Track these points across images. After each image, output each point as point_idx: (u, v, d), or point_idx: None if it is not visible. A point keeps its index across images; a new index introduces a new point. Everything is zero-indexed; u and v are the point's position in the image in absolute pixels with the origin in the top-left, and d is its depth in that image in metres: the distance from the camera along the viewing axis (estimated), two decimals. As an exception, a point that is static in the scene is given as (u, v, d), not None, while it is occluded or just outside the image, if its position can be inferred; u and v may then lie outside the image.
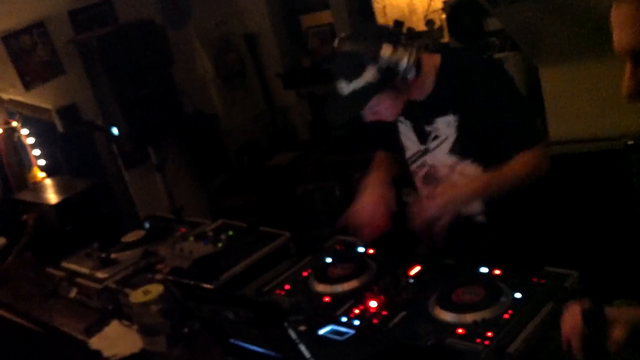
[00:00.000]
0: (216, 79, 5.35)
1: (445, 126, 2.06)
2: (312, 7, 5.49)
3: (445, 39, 4.61)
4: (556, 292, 1.72)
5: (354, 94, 1.93)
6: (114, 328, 2.28)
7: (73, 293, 2.57)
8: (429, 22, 4.74)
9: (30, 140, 3.97)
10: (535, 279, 1.81)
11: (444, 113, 2.05)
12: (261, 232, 2.55)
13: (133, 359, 2.09)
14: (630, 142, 3.09)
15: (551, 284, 1.77)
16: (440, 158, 2.12)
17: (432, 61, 2.06)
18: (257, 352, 1.76)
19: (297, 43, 5.59)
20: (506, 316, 1.69)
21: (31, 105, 4.07)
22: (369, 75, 1.90)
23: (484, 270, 1.93)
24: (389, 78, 1.92)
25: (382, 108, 2.01)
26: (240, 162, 5.30)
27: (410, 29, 5.06)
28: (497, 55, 3.77)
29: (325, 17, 5.37)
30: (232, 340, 1.84)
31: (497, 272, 1.90)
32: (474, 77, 2.01)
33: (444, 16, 4.57)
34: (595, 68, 3.14)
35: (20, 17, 4.05)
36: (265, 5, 5.45)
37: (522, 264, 1.92)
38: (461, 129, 2.04)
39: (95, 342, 2.24)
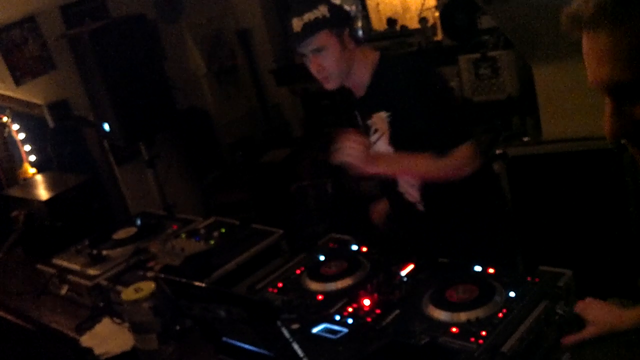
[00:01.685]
0: (209, 75, 5.32)
1: (381, 121, 2.23)
2: (305, 4, 5.48)
3: (439, 36, 4.61)
4: (550, 291, 1.72)
5: (305, 26, 2.11)
6: (105, 326, 2.27)
7: (64, 290, 2.55)
8: (422, 20, 4.74)
9: (21, 136, 3.94)
10: (529, 278, 1.81)
11: (378, 109, 2.22)
12: (254, 229, 2.54)
13: (124, 357, 2.08)
14: (623, 141, 3.09)
15: (545, 283, 1.77)
16: (382, 150, 2.27)
17: (372, 56, 2.23)
18: (249, 351, 1.75)
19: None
20: (500, 315, 1.68)
21: (22, 100, 4.04)
22: (321, 10, 2.10)
23: (477, 268, 1.92)
24: (339, 19, 2.13)
25: (327, 59, 2.15)
26: (233, 158, 5.29)
27: (403, 27, 5.06)
28: (490, 54, 3.77)
29: (318, 13, 5.35)
30: (224, 339, 1.83)
31: (491, 270, 1.90)
32: (405, 78, 2.15)
33: (437, 14, 4.58)
34: (589, 67, 3.14)
35: (10, 11, 4.02)
36: (257, 2, 5.43)
37: (459, 255, 2.03)
38: (393, 125, 2.21)
39: (86, 340, 2.22)
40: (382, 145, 2.27)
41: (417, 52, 4.46)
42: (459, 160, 2.13)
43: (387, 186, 2.43)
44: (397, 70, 2.19)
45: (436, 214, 2.34)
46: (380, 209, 2.63)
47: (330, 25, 2.12)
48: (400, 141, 2.23)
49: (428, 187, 2.28)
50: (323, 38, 2.14)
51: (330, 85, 2.25)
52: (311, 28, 2.12)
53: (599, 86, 0.88)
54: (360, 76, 2.24)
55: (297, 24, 2.14)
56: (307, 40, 2.14)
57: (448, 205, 2.31)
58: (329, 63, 2.18)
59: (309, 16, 2.11)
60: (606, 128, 0.91)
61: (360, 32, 2.14)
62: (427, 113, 2.13)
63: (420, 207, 2.35)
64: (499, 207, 2.44)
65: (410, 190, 2.35)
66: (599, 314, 1.61)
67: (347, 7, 2.18)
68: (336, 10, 2.13)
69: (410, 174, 2.26)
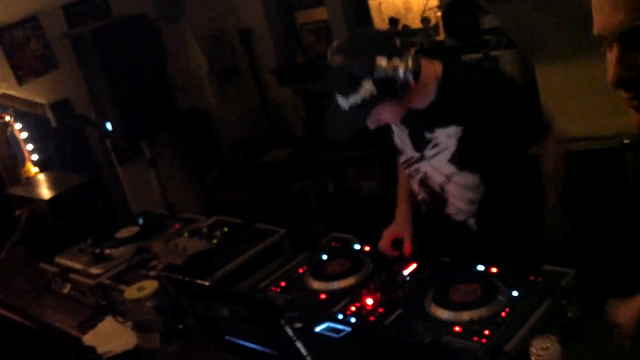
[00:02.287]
0: (210, 75, 5.32)
1: (446, 137, 2.01)
2: (307, 4, 5.48)
3: (441, 36, 4.61)
4: (553, 290, 1.72)
5: (353, 108, 1.86)
6: (108, 324, 2.27)
7: (66, 289, 2.55)
8: (425, 20, 4.74)
9: (24, 135, 3.94)
10: (532, 277, 1.81)
11: (446, 124, 1.99)
12: (256, 228, 2.54)
13: (127, 355, 2.08)
14: (626, 141, 3.09)
15: (548, 282, 1.77)
16: (438, 166, 2.07)
17: (433, 68, 2.00)
18: (252, 349, 1.75)
19: (291, 39, 5.57)
20: (503, 314, 1.68)
21: (24, 99, 4.04)
22: (366, 89, 1.83)
23: (480, 268, 1.93)
24: (388, 89, 1.85)
25: (384, 116, 1.96)
26: (234, 158, 5.29)
27: (405, 27, 5.06)
28: (492, 53, 3.77)
29: (320, 13, 5.36)
30: (227, 337, 1.83)
31: (493, 270, 1.90)
32: (479, 89, 1.96)
33: (439, 13, 4.57)
34: (591, 66, 3.13)
35: (13, 10, 4.01)
36: (259, 1, 5.42)
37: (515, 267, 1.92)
38: (463, 140, 1.99)
39: (88, 339, 2.22)
40: (441, 162, 2.05)
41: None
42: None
43: (434, 210, 2.17)
44: (468, 81, 1.99)
45: (489, 228, 2.11)
46: (391, 236, 2.23)
47: (379, 102, 1.86)
48: (466, 159, 2.02)
49: (487, 201, 2.07)
50: (374, 113, 1.91)
51: (394, 122, 2.09)
52: (361, 111, 1.87)
53: (609, 32, 0.91)
54: (422, 92, 1.98)
55: (342, 102, 1.88)
56: (360, 124, 1.92)
57: (503, 217, 2.11)
58: (386, 119, 2.00)
59: (355, 98, 1.85)
60: (610, 75, 0.93)
61: (410, 79, 1.83)
62: (510, 117, 1.97)
63: (473, 223, 2.11)
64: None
65: (463, 206, 2.09)
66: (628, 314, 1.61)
67: (395, 69, 1.82)
68: (381, 82, 1.83)
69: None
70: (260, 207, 4.79)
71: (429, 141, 2.05)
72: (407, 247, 2.14)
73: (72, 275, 2.54)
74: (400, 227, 2.22)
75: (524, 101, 2.08)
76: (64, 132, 4.10)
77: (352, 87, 1.84)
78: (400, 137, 2.16)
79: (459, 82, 1.98)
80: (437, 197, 2.13)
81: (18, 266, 3.02)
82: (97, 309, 2.37)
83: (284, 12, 5.59)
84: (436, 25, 4.68)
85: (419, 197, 2.21)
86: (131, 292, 2.00)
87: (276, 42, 5.53)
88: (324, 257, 2.22)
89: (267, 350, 1.70)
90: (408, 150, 2.15)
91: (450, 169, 2.04)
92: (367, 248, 2.23)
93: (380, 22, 5.30)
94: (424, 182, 2.15)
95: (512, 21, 3.19)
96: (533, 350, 1.15)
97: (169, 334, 2.00)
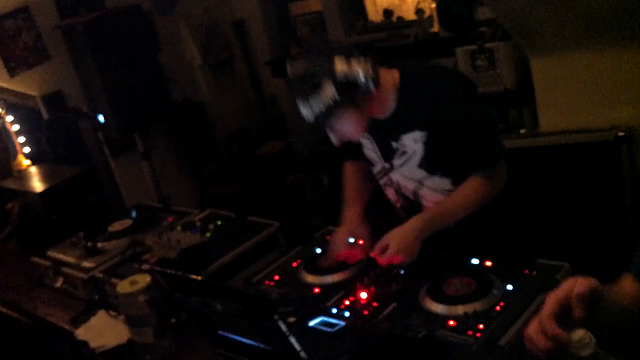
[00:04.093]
0: (204, 66, 5.29)
1: (413, 142, 2.03)
2: (301, -5, 5.46)
3: (435, 28, 4.59)
4: (548, 284, 1.72)
5: (318, 118, 1.88)
6: (101, 318, 2.25)
7: (59, 283, 2.54)
8: (419, 11, 4.72)
9: (15, 127, 3.91)
10: (526, 271, 1.80)
11: (409, 129, 2.01)
12: (250, 222, 2.53)
13: (120, 350, 2.07)
14: (620, 134, 3.09)
15: (543, 276, 1.77)
16: (408, 174, 2.10)
17: (391, 77, 2.01)
18: (245, 344, 1.74)
19: (285, 31, 5.54)
20: (498, 308, 1.68)
21: (16, 91, 4.01)
22: (328, 91, 1.84)
23: (475, 261, 1.92)
24: (349, 92, 1.85)
25: (345, 128, 1.95)
26: (229, 150, 5.27)
27: (399, 18, 5.04)
28: (487, 45, 3.76)
29: (314, 4, 5.34)
30: (220, 332, 1.82)
31: (488, 263, 1.89)
32: (439, 92, 1.97)
33: (433, 5, 4.55)
34: (587, 59, 3.13)
35: (4, 1, 3.98)
36: (253, -8, 5.40)
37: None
38: (429, 144, 2.01)
39: (81, 333, 2.21)
40: (411, 168, 2.08)
41: (414, 44, 4.36)
42: (499, 181, 2.03)
43: (412, 211, 2.15)
44: (428, 85, 2.00)
45: (469, 228, 2.10)
46: (342, 239, 2.13)
47: (341, 104, 1.87)
48: (435, 162, 2.05)
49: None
50: (335, 120, 1.92)
51: (357, 138, 2.08)
52: (324, 118, 1.89)
53: None
54: (382, 101, 2.00)
55: (305, 112, 1.90)
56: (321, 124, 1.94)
57: (481, 221, 2.10)
58: (350, 134, 1.99)
59: (316, 104, 1.85)
60: None
61: (372, 86, 1.87)
62: (469, 129, 1.96)
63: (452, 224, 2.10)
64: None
65: None
66: None
67: (354, 71, 1.84)
68: (343, 84, 1.84)
69: (458, 217, 2.03)
70: (255, 199, 4.78)
71: (396, 150, 2.07)
72: (364, 249, 2.07)
73: (65, 269, 2.52)
74: (353, 229, 2.14)
75: (482, 114, 2.04)
76: (56, 124, 4.08)
77: (313, 90, 1.85)
78: (369, 147, 2.17)
79: (418, 87, 1.99)
80: (412, 204, 2.17)
81: (10, 260, 3.00)
82: (89, 303, 2.36)
83: (278, 3, 5.56)
84: (430, 17, 4.67)
85: (398, 205, 2.25)
86: (124, 286, 1.99)
87: (270, 34, 5.51)
88: (318, 250, 2.21)
89: (261, 345, 1.70)
90: (379, 162, 2.17)
91: (420, 173, 2.08)
92: (361, 242, 2.21)
93: (374, 14, 5.28)
94: (398, 191, 2.20)
95: (507, 13, 3.18)
96: (573, 341, 1.10)
97: (162, 328, 1.98)
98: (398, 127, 2.03)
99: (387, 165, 2.14)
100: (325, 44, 1.93)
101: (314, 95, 1.85)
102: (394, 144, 2.07)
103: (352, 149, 2.24)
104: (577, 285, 1.12)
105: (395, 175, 2.15)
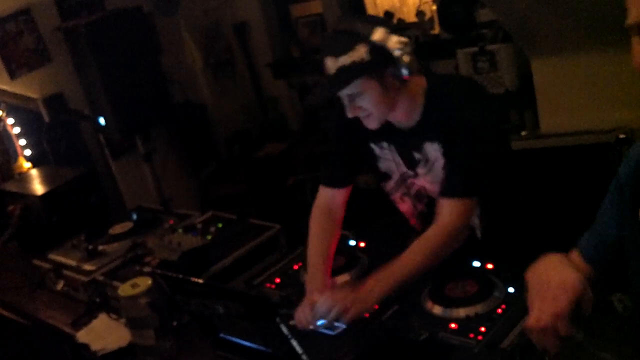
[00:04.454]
0: (205, 68, 5.30)
1: (434, 151, 1.95)
2: (302, -3, 5.46)
3: (436, 30, 4.59)
4: (549, 286, 1.71)
5: (340, 71, 1.78)
6: (102, 321, 2.25)
7: (60, 285, 2.54)
8: (420, 14, 4.71)
9: (16, 130, 3.91)
10: (528, 273, 1.79)
11: (431, 139, 1.94)
12: (251, 224, 2.53)
13: (121, 352, 2.07)
14: (622, 136, 3.09)
15: (544, 278, 1.76)
16: (434, 178, 1.99)
17: (419, 83, 1.92)
18: (247, 347, 1.74)
19: (286, 33, 5.54)
20: (499, 311, 1.68)
21: (17, 94, 4.01)
22: (359, 52, 1.76)
23: (476, 264, 1.92)
24: (380, 62, 1.78)
25: (365, 102, 1.85)
26: (230, 152, 5.27)
27: (400, 20, 5.04)
28: (488, 47, 3.76)
29: (315, 7, 5.34)
30: (221, 334, 1.82)
31: (489, 266, 1.89)
32: (457, 109, 1.88)
33: (434, 7, 4.55)
34: (588, 60, 3.13)
35: (5, 3, 3.98)
36: (254, -6, 5.40)
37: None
38: (445, 155, 1.94)
39: (82, 336, 2.21)
40: (436, 173, 1.97)
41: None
42: (460, 220, 1.87)
43: (430, 217, 2.01)
44: (450, 99, 1.90)
45: (495, 232, 2.05)
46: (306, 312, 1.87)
47: (369, 70, 1.79)
48: None
49: (487, 211, 2.01)
50: (360, 84, 1.81)
51: (372, 125, 1.92)
52: (347, 74, 1.78)
53: None
54: (409, 110, 1.92)
55: (331, 64, 1.79)
56: (341, 86, 1.82)
57: (508, 220, 2.07)
58: (367, 106, 1.86)
59: (345, 59, 1.76)
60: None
61: (405, 72, 1.79)
62: (469, 151, 1.86)
63: (478, 233, 2.05)
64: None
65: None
66: None
67: (392, 45, 1.76)
68: (378, 51, 1.76)
69: (412, 278, 1.86)
70: (256, 200, 4.78)
71: (419, 161, 2.00)
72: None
73: (66, 272, 2.52)
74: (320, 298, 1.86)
75: (484, 139, 1.90)
76: (57, 126, 4.08)
77: (346, 47, 1.77)
78: (387, 157, 2.07)
79: (442, 99, 1.90)
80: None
81: (11, 262, 3.00)
82: (90, 305, 2.36)
83: (279, 6, 5.56)
84: (431, 19, 4.66)
85: (416, 213, 2.14)
86: (125, 289, 1.99)
87: (271, 36, 5.51)
88: (319, 252, 2.20)
89: (262, 348, 1.69)
90: (399, 169, 2.07)
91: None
92: (362, 244, 2.21)
93: (375, 16, 5.28)
94: (420, 195, 2.09)
95: (508, 14, 3.18)
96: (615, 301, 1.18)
97: (164, 330, 1.98)
98: (421, 136, 1.95)
99: (410, 173, 2.04)
100: (376, 16, 1.90)
101: (345, 50, 1.77)
102: (417, 155, 1.99)
103: (341, 172, 2.15)
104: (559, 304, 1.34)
105: (420, 181, 2.05)
